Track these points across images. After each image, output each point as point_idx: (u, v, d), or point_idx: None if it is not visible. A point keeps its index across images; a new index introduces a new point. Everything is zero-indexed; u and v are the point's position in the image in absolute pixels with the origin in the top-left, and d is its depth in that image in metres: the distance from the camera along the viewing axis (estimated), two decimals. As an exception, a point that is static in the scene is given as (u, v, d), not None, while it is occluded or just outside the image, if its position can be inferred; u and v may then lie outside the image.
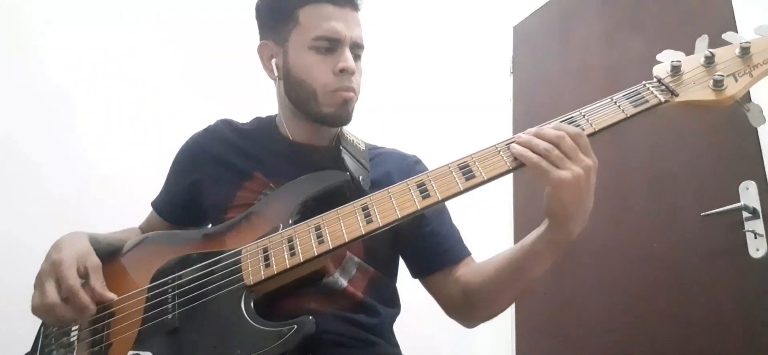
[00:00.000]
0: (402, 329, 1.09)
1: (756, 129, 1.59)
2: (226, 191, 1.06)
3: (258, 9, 1.11)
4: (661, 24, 2.03)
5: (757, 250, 1.52)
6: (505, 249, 0.97)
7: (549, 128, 0.83)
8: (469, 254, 1.09)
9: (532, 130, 0.84)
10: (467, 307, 1.04)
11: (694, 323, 1.65)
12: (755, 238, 1.53)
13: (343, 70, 1.01)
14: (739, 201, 1.57)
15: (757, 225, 1.54)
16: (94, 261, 0.91)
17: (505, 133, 2.57)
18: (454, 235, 1.11)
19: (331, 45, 1.01)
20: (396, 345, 1.06)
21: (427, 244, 1.08)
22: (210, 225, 1.12)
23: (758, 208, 1.54)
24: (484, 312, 1.03)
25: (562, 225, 0.84)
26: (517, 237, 2.40)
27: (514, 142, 0.84)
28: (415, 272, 1.12)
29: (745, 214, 1.56)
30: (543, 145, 0.81)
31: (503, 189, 2.51)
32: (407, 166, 1.14)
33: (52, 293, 0.85)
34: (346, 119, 1.06)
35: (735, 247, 1.57)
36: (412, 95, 2.56)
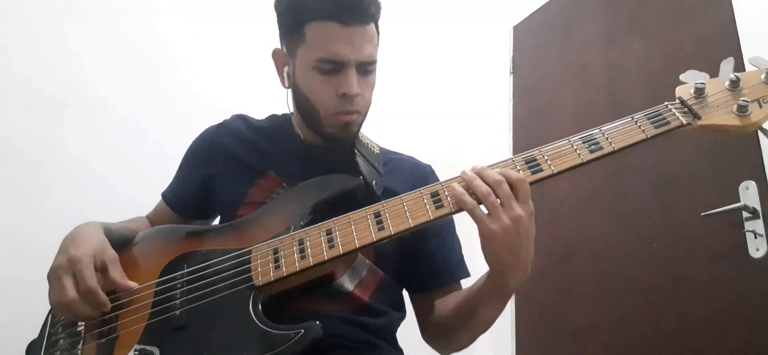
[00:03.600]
0: (404, 331, 1.09)
1: (757, 130, 1.59)
2: (239, 187, 1.06)
3: (276, 11, 1.07)
4: (661, 24, 2.03)
5: (757, 250, 1.52)
6: (465, 289, 0.99)
7: (493, 171, 0.82)
8: (455, 280, 1.08)
9: (477, 168, 0.84)
10: (437, 334, 1.05)
11: (694, 323, 1.65)
12: (755, 238, 1.53)
13: (344, 95, 0.98)
14: (739, 201, 1.57)
15: (757, 225, 1.53)
16: (111, 254, 0.91)
17: (504, 133, 2.58)
18: (450, 258, 1.09)
19: (334, 67, 0.97)
20: (399, 350, 1.06)
21: (420, 263, 1.07)
22: (220, 221, 1.12)
23: (758, 208, 1.54)
24: (446, 344, 1.05)
25: (498, 275, 0.85)
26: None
27: (459, 180, 0.84)
28: (408, 287, 1.12)
29: (745, 214, 1.56)
30: (481, 188, 0.81)
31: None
32: (421, 176, 1.13)
33: (70, 290, 0.85)
34: (350, 140, 1.05)
35: (735, 247, 1.57)
36: (412, 96, 2.56)
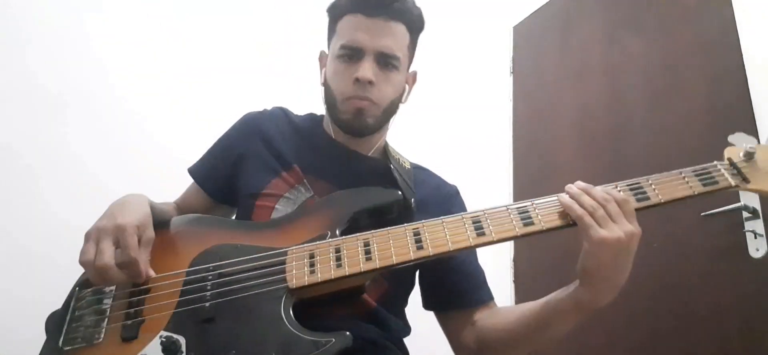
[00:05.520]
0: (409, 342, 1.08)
1: (757, 130, 1.59)
2: (263, 175, 1.07)
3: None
4: (661, 24, 2.03)
5: (757, 250, 1.52)
6: (529, 303, 0.95)
7: (598, 189, 0.84)
8: (491, 299, 1.07)
9: (582, 185, 0.85)
10: (478, 353, 1.01)
11: (694, 323, 1.65)
12: (755, 238, 1.53)
13: (358, 79, 1.01)
14: (739, 201, 1.58)
15: (757, 225, 1.54)
16: (150, 234, 0.90)
17: (505, 133, 2.58)
18: (478, 276, 1.08)
19: (352, 54, 1.03)
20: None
21: (449, 280, 1.05)
22: (238, 208, 1.13)
23: (758, 208, 1.54)
24: None
25: (593, 287, 0.84)
26: (517, 241, 2.40)
27: (564, 192, 0.85)
28: (430, 304, 1.10)
29: (745, 214, 1.56)
30: (589, 201, 0.82)
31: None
32: (446, 195, 1.14)
33: (108, 255, 0.84)
34: (361, 128, 1.06)
35: (735, 247, 1.57)
36: (412, 95, 2.55)
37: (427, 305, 1.10)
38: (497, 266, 2.39)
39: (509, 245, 2.41)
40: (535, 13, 2.64)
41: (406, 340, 1.06)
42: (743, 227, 1.56)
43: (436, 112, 2.60)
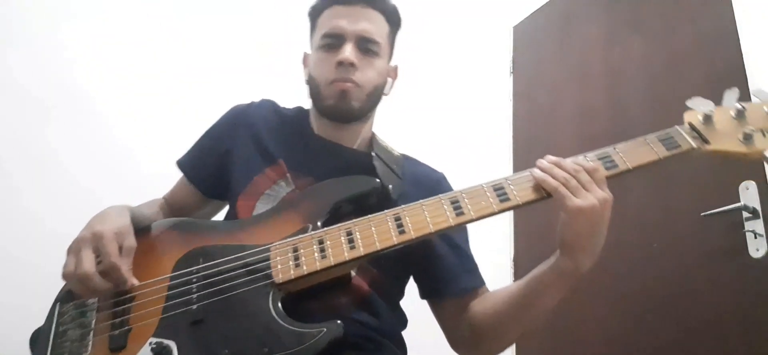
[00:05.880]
0: (408, 335, 1.07)
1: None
2: (247, 174, 1.07)
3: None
4: (661, 24, 2.03)
5: (757, 250, 1.52)
6: (514, 283, 0.97)
7: (568, 161, 0.87)
8: (481, 284, 1.07)
9: (552, 159, 0.87)
10: (472, 340, 1.02)
11: (694, 323, 1.65)
12: (755, 238, 1.53)
13: (340, 62, 1.03)
14: (739, 201, 1.57)
15: (757, 225, 1.53)
16: (130, 242, 0.89)
17: (505, 133, 2.58)
18: (466, 263, 1.09)
19: (334, 41, 1.05)
20: (404, 348, 1.05)
21: (437, 268, 1.06)
22: (227, 204, 1.14)
23: (758, 208, 1.54)
24: (489, 345, 1.02)
25: (573, 255, 0.86)
26: (517, 240, 2.40)
27: (536, 167, 0.87)
28: (423, 293, 1.10)
29: (745, 214, 1.56)
30: (561, 173, 0.84)
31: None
32: (434, 181, 1.14)
33: (89, 264, 0.83)
34: (346, 112, 1.06)
35: (735, 247, 1.57)
36: (412, 95, 2.55)
37: (421, 294, 1.11)
38: (497, 266, 2.39)
39: (509, 245, 2.41)
40: (535, 13, 2.64)
41: (404, 338, 1.06)
42: (743, 227, 1.56)
43: (435, 111, 2.61)
